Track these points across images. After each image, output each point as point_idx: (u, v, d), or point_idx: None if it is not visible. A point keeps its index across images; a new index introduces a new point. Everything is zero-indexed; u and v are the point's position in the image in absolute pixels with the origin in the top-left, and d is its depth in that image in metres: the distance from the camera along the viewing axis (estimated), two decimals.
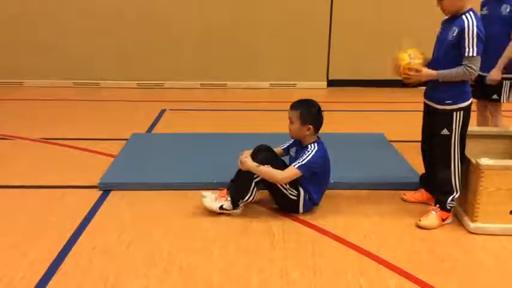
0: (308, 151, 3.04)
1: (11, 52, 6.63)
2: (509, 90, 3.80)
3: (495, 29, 3.54)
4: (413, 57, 2.89)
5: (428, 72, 2.88)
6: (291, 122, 3.09)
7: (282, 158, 3.27)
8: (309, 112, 3.05)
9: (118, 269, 2.57)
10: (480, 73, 3.36)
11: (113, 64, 6.69)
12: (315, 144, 3.08)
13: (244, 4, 6.54)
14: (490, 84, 3.70)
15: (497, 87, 3.76)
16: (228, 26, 6.56)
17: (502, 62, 3.64)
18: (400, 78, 2.98)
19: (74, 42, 6.61)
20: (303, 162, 3.01)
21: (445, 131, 2.92)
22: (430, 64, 2.95)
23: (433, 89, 2.98)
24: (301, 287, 2.44)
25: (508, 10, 3.64)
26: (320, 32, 6.63)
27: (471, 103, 2.96)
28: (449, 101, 2.89)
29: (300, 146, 3.15)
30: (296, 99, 3.14)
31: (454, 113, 2.89)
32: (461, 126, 2.91)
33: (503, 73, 3.69)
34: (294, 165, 3.02)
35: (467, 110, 2.92)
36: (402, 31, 6.30)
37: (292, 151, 3.22)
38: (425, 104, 3.08)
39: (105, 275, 2.51)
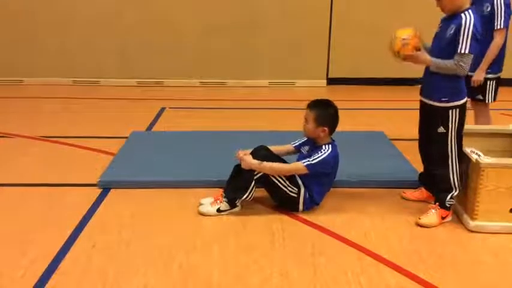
0: (322, 151, 3.04)
1: (11, 50, 6.62)
2: (494, 91, 3.80)
3: None
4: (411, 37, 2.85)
5: (424, 56, 2.87)
6: (307, 122, 3.09)
7: (287, 156, 3.24)
8: (325, 114, 3.06)
9: (118, 267, 2.57)
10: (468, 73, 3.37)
11: (113, 62, 6.68)
12: (329, 146, 3.08)
13: (244, 3, 6.53)
14: (473, 85, 3.70)
15: (482, 87, 3.76)
16: (228, 25, 6.55)
17: (485, 63, 3.65)
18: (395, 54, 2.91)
19: (74, 40, 6.60)
20: (313, 162, 3.00)
21: (441, 129, 2.92)
22: None
23: (428, 86, 2.98)
24: (301, 285, 2.44)
25: (489, 9, 3.64)
26: (320, 30, 6.62)
27: (466, 101, 2.96)
28: (445, 99, 2.89)
29: (313, 145, 3.14)
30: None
31: (450, 111, 2.89)
32: (458, 124, 2.92)
33: (487, 73, 3.69)
34: (303, 162, 3.02)
35: (462, 109, 2.93)
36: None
37: (305, 149, 3.20)
38: (421, 101, 3.08)
39: (105, 273, 2.51)
